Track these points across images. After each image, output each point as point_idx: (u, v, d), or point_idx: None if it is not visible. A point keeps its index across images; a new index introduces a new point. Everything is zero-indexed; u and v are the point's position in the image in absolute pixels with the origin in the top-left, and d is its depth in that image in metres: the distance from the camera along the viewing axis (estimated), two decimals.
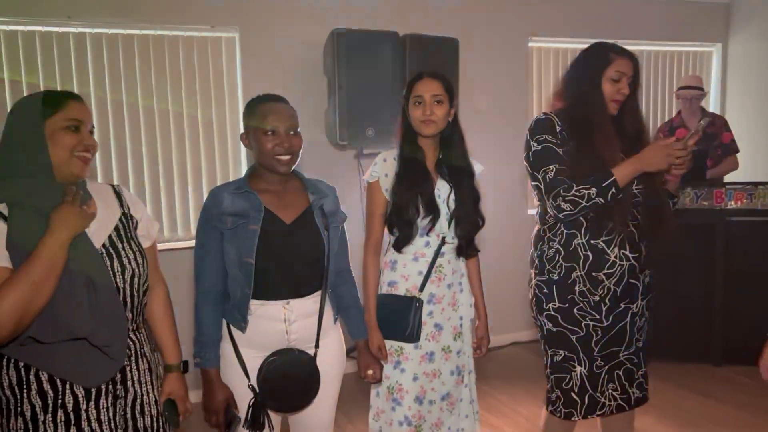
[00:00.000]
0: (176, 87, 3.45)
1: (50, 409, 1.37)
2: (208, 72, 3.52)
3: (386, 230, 2.10)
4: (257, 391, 1.72)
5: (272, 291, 1.71)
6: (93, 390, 1.41)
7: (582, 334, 1.99)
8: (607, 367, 2.03)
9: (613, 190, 1.85)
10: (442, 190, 2.05)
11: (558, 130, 1.95)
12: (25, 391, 1.36)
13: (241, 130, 1.81)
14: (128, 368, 1.48)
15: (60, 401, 1.37)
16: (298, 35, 3.60)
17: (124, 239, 1.49)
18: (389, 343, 2.05)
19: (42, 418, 1.36)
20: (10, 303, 1.24)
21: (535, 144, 1.95)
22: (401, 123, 2.08)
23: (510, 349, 4.26)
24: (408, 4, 3.86)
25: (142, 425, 1.51)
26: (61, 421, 1.37)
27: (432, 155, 2.08)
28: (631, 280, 1.98)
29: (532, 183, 2.00)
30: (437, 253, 2.05)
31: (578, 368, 2.01)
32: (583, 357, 2.01)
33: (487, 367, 3.81)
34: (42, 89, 3.10)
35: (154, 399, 1.55)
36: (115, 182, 3.32)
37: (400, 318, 2.03)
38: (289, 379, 1.72)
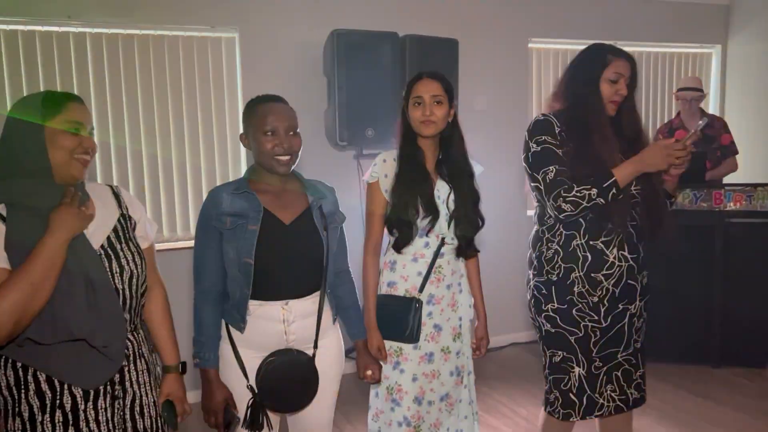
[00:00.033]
0: (176, 87, 3.45)
1: (48, 409, 1.37)
2: (208, 72, 3.52)
3: (386, 231, 2.11)
4: (256, 391, 1.72)
5: (271, 291, 1.71)
6: (91, 390, 1.41)
7: (580, 335, 2.00)
8: (605, 368, 2.03)
9: (614, 190, 1.85)
10: (442, 191, 2.05)
11: (557, 131, 1.95)
12: (23, 391, 1.36)
13: (241, 130, 1.81)
14: (126, 369, 1.48)
15: (58, 401, 1.37)
16: (298, 35, 3.60)
17: (123, 240, 1.49)
18: (388, 344, 2.05)
19: (40, 419, 1.36)
20: (9, 304, 1.24)
21: (535, 145, 1.96)
22: (401, 123, 2.08)
23: (509, 350, 4.26)
24: (408, 4, 3.86)
25: (141, 426, 1.51)
26: (59, 422, 1.37)
27: (432, 156, 2.08)
28: (629, 281, 1.99)
29: (532, 184, 2.00)
30: (437, 254, 2.05)
31: (577, 369, 2.02)
32: (582, 358, 2.01)
33: (486, 367, 3.81)
34: (42, 89, 3.11)
35: (153, 400, 1.56)
36: (115, 181, 3.33)
37: (400, 318, 2.03)
38: (287, 380, 1.72)
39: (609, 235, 1.94)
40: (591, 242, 1.95)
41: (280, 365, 1.71)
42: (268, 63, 3.56)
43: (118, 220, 1.52)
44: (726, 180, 4.12)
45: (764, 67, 4.68)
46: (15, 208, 1.34)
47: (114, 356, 1.42)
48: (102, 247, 1.44)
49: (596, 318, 1.99)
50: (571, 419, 2.05)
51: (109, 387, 1.44)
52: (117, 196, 1.57)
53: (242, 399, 1.73)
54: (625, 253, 1.96)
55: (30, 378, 1.36)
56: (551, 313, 2.02)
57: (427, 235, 2.04)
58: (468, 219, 2.07)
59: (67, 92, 1.48)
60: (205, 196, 1.78)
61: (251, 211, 1.69)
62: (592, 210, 1.90)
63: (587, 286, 1.97)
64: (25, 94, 3.12)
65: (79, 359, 1.38)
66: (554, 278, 2.00)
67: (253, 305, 1.71)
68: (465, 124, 2.12)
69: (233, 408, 1.73)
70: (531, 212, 2.14)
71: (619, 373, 2.05)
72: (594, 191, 1.86)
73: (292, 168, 1.78)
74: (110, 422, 1.44)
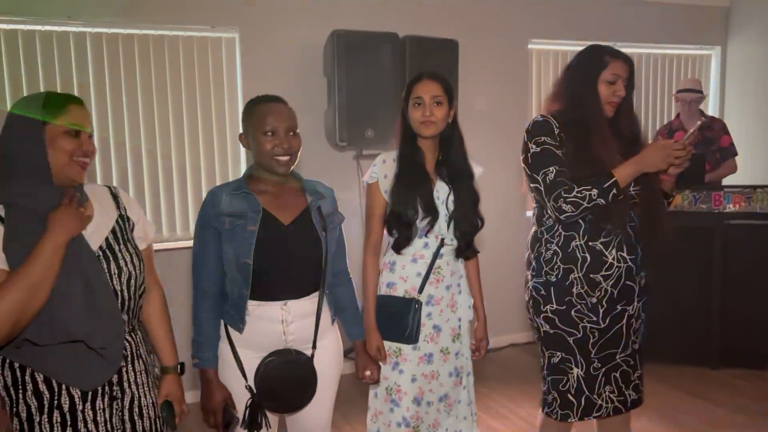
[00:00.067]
0: (176, 87, 3.46)
1: (46, 409, 1.37)
2: (208, 72, 3.52)
3: (386, 231, 2.11)
4: (254, 391, 1.72)
5: (270, 292, 1.71)
6: (89, 391, 1.41)
7: (579, 335, 2.00)
8: (604, 369, 2.03)
9: (614, 191, 1.86)
10: (441, 192, 2.05)
11: (556, 132, 1.95)
12: (20, 391, 1.36)
13: (241, 131, 1.81)
14: (125, 369, 1.48)
15: (56, 402, 1.37)
16: (298, 36, 3.60)
17: (121, 241, 1.49)
18: (388, 345, 2.05)
19: (38, 419, 1.36)
20: (7, 304, 1.24)
21: (534, 146, 1.96)
22: (401, 124, 2.08)
23: (508, 351, 4.26)
24: (408, 5, 3.87)
25: (140, 428, 1.51)
26: (57, 422, 1.37)
27: (431, 156, 2.08)
28: (627, 282, 1.99)
29: (531, 185, 1.99)
30: (436, 255, 2.05)
31: (575, 370, 2.02)
32: (580, 359, 2.01)
33: (485, 368, 3.81)
34: (42, 88, 3.13)
35: (151, 401, 1.56)
36: (115, 181, 3.33)
37: (399, 319, 2.03)
38: (286, 380, 1.72)
39: (608, 236, 1.95)
40: (590, 243, 1.95)
41: (278, 365, 1.71)
42: (268, 63, 3.56)
43: (117, 221, 1.52)
44: (725, 182, 4.13)
45: (764, 69, 4.68)
46: (13, 209, 1.34)
47: (112, 358, 1.42)
48: (100, 248, 1.44)
49: (595, 319, 1.99)
50: (569, 420, 2.05)
51: (107, 387, 1.44)
52: (115, 197, 1.57)
53: (241, 399, 1.73)
54: (624, 254, 1.96)
55: (28, 378, 1.36)
56: (550, 314, 2.02)
57: (426, 236, 2.04)
58: (467, 220, 2.07)
59: (68, 94, 1.48)
60: (204, 195, 1.78)
61: (250, 211, 1.69)
62: (592, 211, 1.90)
63: (586, 287, 1.97)
64: (25, 94, 3.13)
65: (77, 360, 1.38)
66: (553, 279, 2.00)
67: (252, 305, 1.71)
68: (465, 124, 2.12)
69: (232, 408, 1.73)
70: (530, 213, 2.14)
71: (617, 375, 2.05)
72: (594, 191, 1.86)
73: (292, 168, 1.78)
74: (108, 423, 1.43)
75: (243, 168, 3.60)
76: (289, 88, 3.31)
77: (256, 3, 3.52)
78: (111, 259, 1.45)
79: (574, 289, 1.98)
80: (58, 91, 3.10)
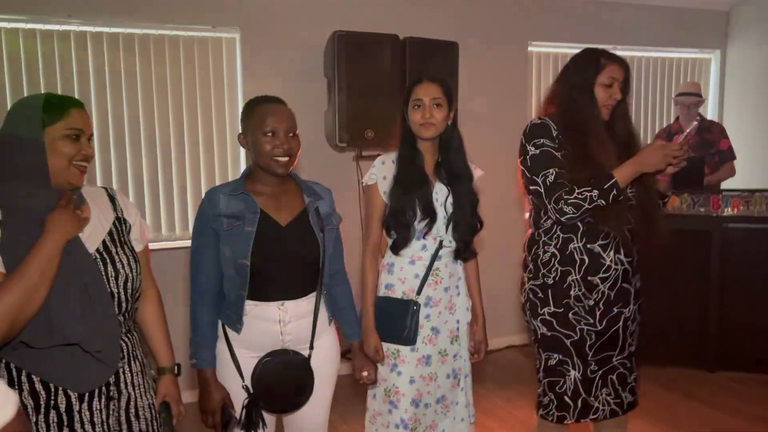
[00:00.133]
0: (176, 87, 3.46)
1: (42, 410, 1.36)
2: (208, 72, 3.52)
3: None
4: (251, 391, 1.73)
5: (267, 292, 1.71)
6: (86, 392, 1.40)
7: (576, 338, 2.00)
8: (600, 372, 2.03)
9: (615, 191, 1.86)
10: (440, 194, 2.06)
11: (555, 135, 1.96)
12: (16, 392, 1.35)
13: (240, 131, 1.81)
14: (122, 370, 1.48)
15: (52, 402, 1.37)
16: (298, 37, 3.61)
17: (118, 244, 1.49)
18: (386, 346, 2.05)
19: (34, 419, 1.36)
20: (4, 307, 1.23)
21: (533, 148, 1.96)
22: (400, 126, 2.08)
23: (506, 353, 4.27)
24: (409, 7, 3.87)
25: (137, 429, 1.51)
26: (53, 422, 1.37)
27: (431, 158, 2.08)
28: (624, 285, 1.99)
29: (531, 187, 1.99)
30: (434, 257, 2.05)
31: (572, 372, 2.02)
32: (578, 361, 2.01)
33: (483, 370, 3.81)
34: (42, 88, 3.13)
35: (147, 402, 1.55)
36: (114, 180, 3.33)
37: (397, 320, 2.03)
38: (283, 380, 1.73)
39: (606, 238, 1.95)
40: (588, 245, 1.96)
41: (275, 366, 1.72)
42: (268, 64, 3.56)
43: (114, 224, 1.52)
44: (724, 185, 4.13)
45: (763, 73, 4.69)
46: (10, 212, 1.33)
47: (108, 361, 1.42)
48: (97, 250, 1.44)
49: (592, 321, 1.99)
50: (565, 422, 2.05)
51: (104, 388, 1.43)
52: (112, 198, 1.57)
53: (238, 399, 1.73)
54: (621, 257, 1.97)
55: (24, 378, 1.36)
56: (547, 317, 2.02)
57: (424, 238, 2.04)
58: (466, 222, 2.07)
59: (68, 96, 1.46)
60: (203, 195, 1.78)
61: (248, 212, 1.69)
62: (592, 212, 1.91)
63: (584, 290, 1.97)
64: (25, 94, 3.12)
65: (73, 363, 1.37)
66: (550, 281, 2.01)
67: (249, 306, 1.72)
68: (464, 126, 2.13)
69: (231, 408, 1.73)
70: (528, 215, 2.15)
71: (614, 377, 2.05)
72: (595, 193, 1.86)
73: (290, 169, 1.78)
74: (105, 423, 1.43)
75: (243, 168, 3.61)
76: (289, 88, 3.32)
77: (258, 4, 3.52)
78: (108, 261, 1.44)
79: (572, 292, 1.98)
80: (59, 90, 3.13)
